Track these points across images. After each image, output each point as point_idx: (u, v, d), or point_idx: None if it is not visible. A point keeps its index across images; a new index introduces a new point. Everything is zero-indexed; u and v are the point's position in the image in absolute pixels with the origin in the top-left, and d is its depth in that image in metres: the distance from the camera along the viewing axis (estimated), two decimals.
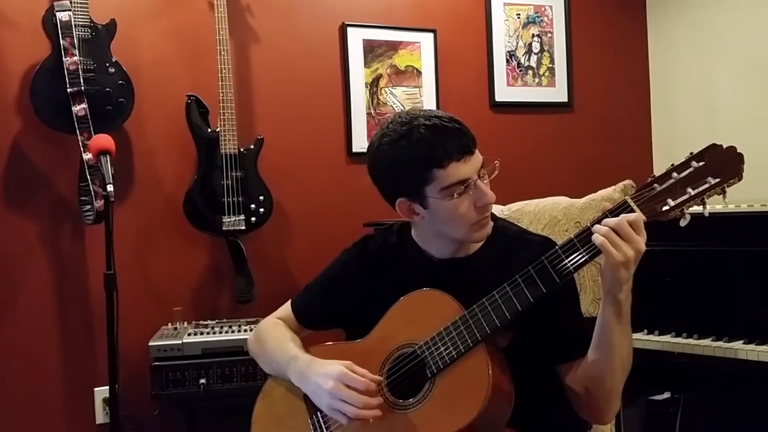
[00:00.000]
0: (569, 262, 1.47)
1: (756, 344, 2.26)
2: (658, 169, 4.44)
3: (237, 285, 3.27)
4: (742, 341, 2.30)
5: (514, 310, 1.50)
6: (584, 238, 1.46)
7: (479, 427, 1.49)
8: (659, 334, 2.43)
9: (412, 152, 1.55)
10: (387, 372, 1.60)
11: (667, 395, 2.80)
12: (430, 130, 1.55)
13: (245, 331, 2.93)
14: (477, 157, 1.58)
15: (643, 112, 4.27)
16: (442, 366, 1.53)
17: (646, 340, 2.42)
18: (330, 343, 1.76)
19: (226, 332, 2.93)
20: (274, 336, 1.79)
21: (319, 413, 1.65)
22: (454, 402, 1.51)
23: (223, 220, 3.13)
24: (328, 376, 1.57)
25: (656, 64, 4.26)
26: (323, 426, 1.65)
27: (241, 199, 3.14)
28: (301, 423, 1.68)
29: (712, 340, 2.36)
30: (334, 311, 1.80)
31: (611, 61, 4.19)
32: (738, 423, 2.52)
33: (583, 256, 1.47)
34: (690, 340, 2.38)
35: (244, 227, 3.15)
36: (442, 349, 1.53)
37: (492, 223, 1.65)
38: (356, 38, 3.58)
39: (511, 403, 1.54)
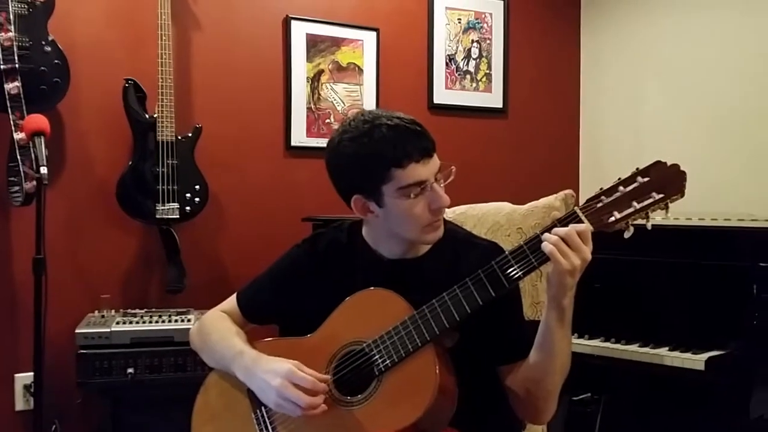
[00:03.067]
0: (518, 267, 1.52)
1: (680, 351, 2.37)
2: (584, 179, 4.60)
3: (168, 274, 3.21)
4: (667, 348, 2.42)
5: (463, 313, 1.54)
6: (534, 245, 1.51)
7: (423, 425, 1.52)
8: (589, 338, 2.53)
9: (373, 150, 1.57)
10: (334, 369, 1.62)
11: (587, 395, 2.90)
12: (392, 130, 1.57)
13: (175, 321, 2.90)
14: (435, 161, 1.61)
15: (572, 121, 4.41)
16: (390, 364, 1.56)
17: (576, 343, 2.51)
18: (276, 338, 1.77)
19: (156, 322, 2.89)
20: (218, 329, 1.78)
21: (263, 407, 1.65)
22: (400, 400, 1.54)
23: (157, 208, 3.07)
24: (276, 373, 1.58)
25: (587, 76, 4.40)
26: (267, 420, 1.65)
27: (175, 187, 3.09)
28: (243, 417, 1.68)
29: (639, 346, 2.46)
30: (281, 307, 1.80)
31: (545, 71, 4.30)
32: (658, 425, 2.64)
33: (532, 263, 1.51)
34: (618, 345, 2.48)
35: (177, 216, 3.10)
36: (391, 347, 1.56)
37: (443, 227, 1.68)
38: (300, 32, 3.57)
39: (454, 403, 1.58)
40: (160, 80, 3.04)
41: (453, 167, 1.63)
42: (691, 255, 2.50)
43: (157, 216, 3.07)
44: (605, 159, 4.27)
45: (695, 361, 2.30)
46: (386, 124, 1.58)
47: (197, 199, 3.17)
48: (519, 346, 1.66)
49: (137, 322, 2.87)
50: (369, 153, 1.58)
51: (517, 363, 1.66)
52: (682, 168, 1.48)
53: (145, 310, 3.07)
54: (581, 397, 2.85)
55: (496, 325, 1.64)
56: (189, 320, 2.90)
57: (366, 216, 1.67)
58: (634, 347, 2.46)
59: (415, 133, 1.59)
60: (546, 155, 4.28)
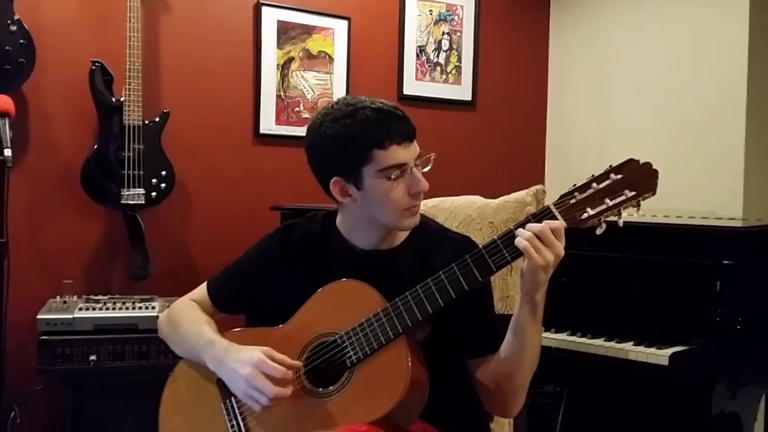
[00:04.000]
0: (492, 261, 1.52)
1: (645, 346, 2.41)
2: (549, 173, 4.63)
3: (132, 261, 3.17)
4: (632, 343, 2.45)
5: (437, 306, 1.54)
6: (507, 240, 1.51)
7: (395, 417, 1.52)
8: (555, 332, 2.56)
9: (356, 130, 1.58)
10: (306, 360, 1.61)
11: (550, 387, 2.93)
12: (375, 112, 1.59)
13: (139, 308, 2.87)
14: (415, 147, 1.62)
15: (540, 115, 4.44)
16: (362, 356, 1.55)
17: (543, 337, 2.51)
18: (247, 328, 1.75)
19: (120, 309, 2.85)
20: (188, 318, 1.76)
21: (233, 398, 1.64)
22: (372, 392, 1.54)
23: (122, 193, 3.03)
24: (246, 362, 1.56)
25: (555, 70, 4.43)
26: (237, 411, 1.64)
27: (141, 172, 3.05)
28: (213, 407, 1.66)
29: (605, 340, 2.50)
30: (252, 297, 1.78)
31: (514, 65, 4.32)
32: (621, 419, 2.68)
33: (506, 258, 1.52)
34: (584, 339, 2.52)
35: (143, 201, 3.06)
36: (363, 339, 1.56)
37: (419, 214, 1.69)
38: (270, 18, 3.54)
39: (425, 396, 1.58)
40: (128, 63, 2.99)
41: (433, 155, 1.64)
42: (656, 252, 2.54)
43: (122, 201, 3.03)
44: (571, 153, 4.31)
45: (659, 356, 2.34)
46: (369, 107, 1.60)
47: (163, 185, 3.13)
48: (489, 339, 1.66)
49: (100, 309, 2.83)
50: (351, 134, 1.58)
51: (487, 357, 1.66)
52: (654, 166, 1.49)
53: (108, 296, 3.03)
54: (545, 389, 2.88)
55: (467, 318, 1.65)
56: (153, 307, 2.87)
57: (344, 199, 1.66)
58: (599, 341, 2.49)
59: (397, 116, 1.60)
60: (514, 149, 4.31)
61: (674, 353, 2.34)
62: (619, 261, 2.56)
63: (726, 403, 2.35)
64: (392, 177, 1.58)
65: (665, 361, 2.32)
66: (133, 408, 2.80)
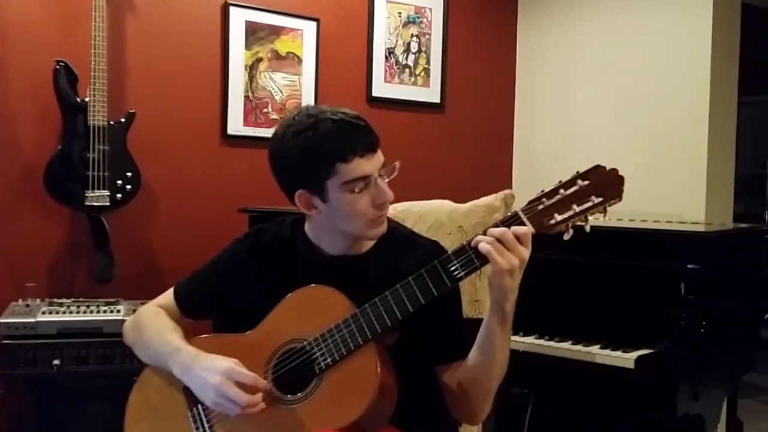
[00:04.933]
0: (461, 267, 1.53)
1: (611, 349, 2.43)
2: (516, 176, 4.66)
3: (96, 263, 3.13)
4: (598, 346, 2.47)
5: (405, 311, 1.54)
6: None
7: (363, 424, 1.52)
8: (523, 335, 2.58)
9: (318, 144, 1.56)
10: (274, 367, 1.60)
11: (517, 390, 2.95)
12: (336, 124, 1.57)
13: (104, 312, 2.84)
14: (379, 156, 1.61)
15: (507, 119, 4.46)
16: (331, 362, 1.54)
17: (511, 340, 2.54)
18: (214, 335, 1.74)
19: (84, 312, 2.82)
20: (154, 325, 1.74)
21: (199, 405, 1.62)
22: (341, 398, 1.53)
23: (86, 195, 2.99)
24: (215, 371, 1.55)
25: (522, 74, 4.46)
26: (203, 418, 1.62)
27: (106, 173, 3.01)
28: (179, 414, 1.64)
29: (572, 344, 2.52)
30: (220, 302, 1.76)
31: (482, 68, 4.35)
32: (587, 421, 2.71)
33: (474, 263, 1.52)
34: (551, 343, 2.53)
35: (108, 203, 3.03)
36: (332, 345, 1.55)
37: (386, 222, 1.68)
38: (238, 18, 3.51)
39: (394, 402, 1.58)
40: (93, 63, 2.96)
41: (397, 163, 1.63)
42: (621, 256, 2.56)
43: (86, 203, 3.00)
44: (537, 158, 4.34)
45: (625, 359, 2.36)
46: (330, 119, 1.57)
47: (128, 187, 3.09)
48: (457, 346, 1.67)
49: (64, 312, 2.80)
50: (313, 147, 1.56)
51: (454, 363, 1.66)
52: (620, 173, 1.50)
53: (72, 299, 2.98)
54: (512, 392, 2.89)
55: (435, 324, 1.65)
56: (118, 311, 2.84)
57: (310, 212, 1.65)
58: (566, 345, 2.51)
59: (360, 127, 1.59)
60: (481, 152, 4.33)
61: (640, 356, 2.36)
62: (586, 265, 2.58)
63: (690, 405, 2.38)
64: (356, 190, 1.57)
65: (631, 364, 2.35)
66: (97, 413, 2.77)
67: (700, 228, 3.12)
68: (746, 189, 5.19)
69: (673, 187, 3.65)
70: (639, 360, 2.35)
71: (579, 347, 2.48)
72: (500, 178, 4.37)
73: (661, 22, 3.77)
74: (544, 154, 4.30)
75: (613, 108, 3.99)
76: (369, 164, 1.58)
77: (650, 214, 3.36)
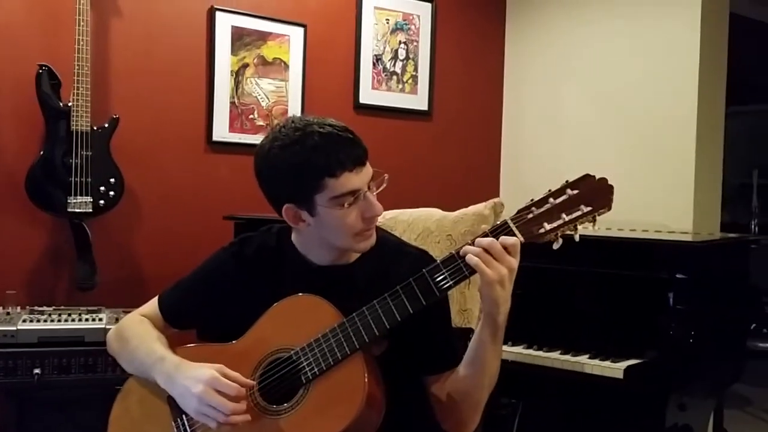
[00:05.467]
0: (450, 276, 1.51)
1: (600, 359, 2.42)
2: (504, 184, 4.65)
3: (78, 271, 3.08)
4: (587, 355, 2.46)
5: (394, 321, 1.52)
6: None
7: None
8: (512, 345, 2.56)
9: (305, 159, 1.53)
10: (260, 376, 1.57)
11: (505, 400, 2.93)
12: (324, 138, 1.53)
13: (86, 320, 2.80)
14: (368, 169, 1.58)
15: (495, 126, 4.46)
16: (317, 372, 1.52)
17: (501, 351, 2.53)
18: (199, 344, 1.70)
19: (65, 320, 2.78)
20: (138, 334, 1.70)
21: (184, 416, 1.59)
22: (327, 409, 1.50)
23: (69, 201, 2.95)
24: (198, 380, 1.52)
25: (510, 81, 4.46)
26: (188, 429, 1.59)
27: (89, 180, 2.98)
28: (163, 425, 1.61)
29: (560, 353, 2.50)
30: (205, 312, 1.73)
31: (470, 75, 4.33)
32: (576, 430, 2.69)
33: (463, 272, 1.50)
34: (540, 352, 2.51)
35: (90, 210, 2.99)
36: (319, 355, 1.52)
37: (375, 235, 1.66)
38: (225, 24, 3.49)
39: (382, 413, 1.55)
40: (77, 67, 2.93)
41: (386, 175, 1.61)
42: (610, 265, 2.55)
43: (69, 209, 2.96)
44: (525, 166, 4.34)
45: (614, 369, 2.35)
46: (318, 132, 1.54)
47: (112, 193, 3.06)
48: (447, 356, 1.65)
49: (45, 321, 2.76)
50: (301, 162, 1.53)
51: (444, 374, 1.64)
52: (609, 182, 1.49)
53: (54, 307, 2.93)
54: (500, 401, 2.88)
55: (424, 334, 1.62)
56: (100, 319, 2.80)
57: (297, 225, 1.63)
58: (555, 354, 2.50)
59: (348, 141, 1.55)
60: (469, 160, 4.32)
61: (629, 366, 2.35)
62: (575, 274, 2.57)
63: (679, 416, 2.37)
64: (345, 204, 1.54)
65: (620, 374, 2.33)
66: (79, 423, 2.73)
67: (689, 238, 3.11)
68: (733, 199, 5.21)
69: (660, 197, 3.65)
70: (628, 370, 2.34)
71: (568, 357, 2.46)
72: (487, 185, 4.36)
73: (649, 32, 3.77)
74: (531, 163, 4.29)
75: (601, 116, 3.99)
76: (358, 178, 1.55)
77: (637, 223, 3.35)
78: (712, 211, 3.76)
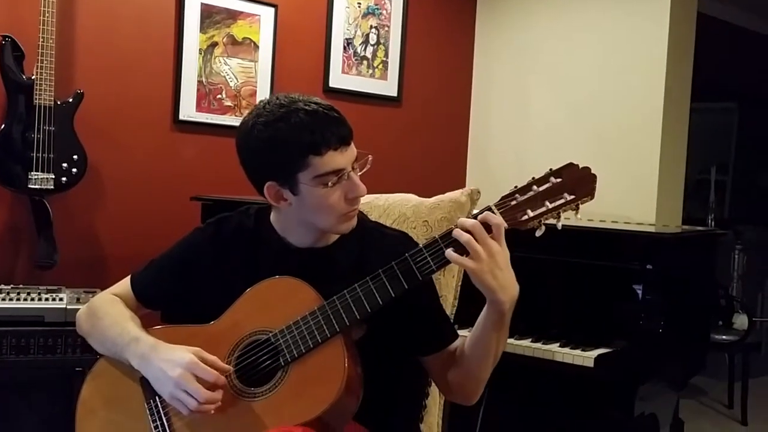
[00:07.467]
0: (432, 260, 1.49)
1: (571, 348, 2.44)
2: (471, 172, 4.64)
3: (39, 249, 3.00)
4: (558, 344, 2.48)
5: (375, 304, 1.50)
6: (447, 238, 1.48)
7: (328, 418, 1.47)
8: None
9: (290, 136, 1.50)
10: (237, 359, 1.54)
11: None
12: (310, 116, 1.51)
13: (46, 299, 2.73)
14: (352, 149, 1.56)
15: (463, 114, 4.45)
16: (296, 355, 1.49)
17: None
18: (175, 325, 1.66)
19: (24, 299, 2.71)
20: (110, 314, 1.65)
21: (157, 398, 1.55)
22: (306, 392, 1.48)
23: (30, 177, 2.87)
24: (176, 363, 1.48)
25: (479, 70, 4.45)
26: (161, 411, 1.55)
27: (51, 156, 2.90)
28: (135, 407, 1.57)
29: (531, 341, 2.51)
30: (179, 292, 1.69)
31: (440, 62, 4.32)
32: (546, 419, 2.71)
33: (445, 257, 1.49)
34: (511, 340, 2.51)
35: (52, 186, 2.92)
36: (298, 338, 1.50)
37: (356, 217, 1.63)
38: (194, 0, 3.41)
39: (359, 398, 1.54)
40: (41, 40, 2.84)
41: (370, 156, 1.59)
42: (581, 255, 2.57)
43: (30, 185, 2.88)
44: (492, 153, 4.34)
45: (585, 358, 2.37)
46: (304, 109, 1.51)
47: (74, 170, 2.98)
48: (443, 333, 1.65)
49: (3, 299, 2.69)
50: (285, 139, 1.50)
51: (443, 351, 1.63)
52: (592, 171, 1.50)
53: (12, 286, 2.86)
54: None
55: (414, 316, 1.61)
56: (61, 299, 2.74)
57: (279, 204, 1.59)
58: (526, 342, 2.51)
59: (334, 119, 1.53)
60: (437, 147, 4.31)
61: (599, 355, 2.37)
62: (546, 263, 2.58)
63: (648, 406, 2.41)
64: (329, 183, 1.52)
65: (590, 363, 2.36)
66: (37, 405, 2.66)
67: (659, 229, 3.15)
68: (690, 194, 5.29)
69: (625, 189, 3.68)
70: (599, 359, 2.36)
71: (539, 345, 2.47)
72: (454, 173, 4.36)
73: (618, 27, 3.80)
74: (498, 151, 4.30)
75: (568, 108, 4.01)
76: (342, 158, 1.53)
77: (601, 214, 3.38)
78: (675, 204, 3.82)
